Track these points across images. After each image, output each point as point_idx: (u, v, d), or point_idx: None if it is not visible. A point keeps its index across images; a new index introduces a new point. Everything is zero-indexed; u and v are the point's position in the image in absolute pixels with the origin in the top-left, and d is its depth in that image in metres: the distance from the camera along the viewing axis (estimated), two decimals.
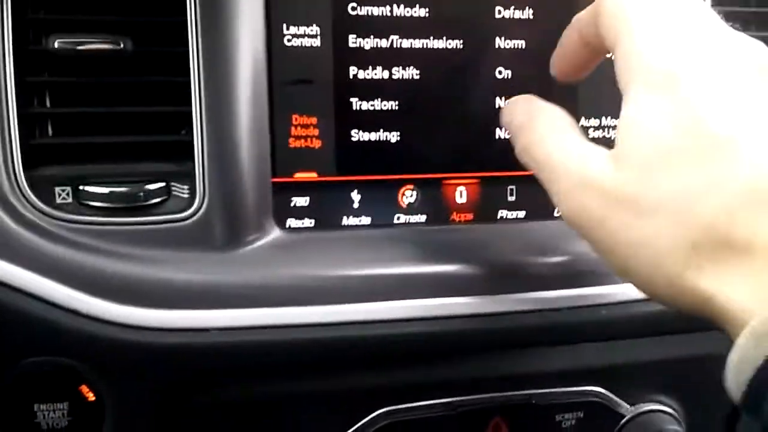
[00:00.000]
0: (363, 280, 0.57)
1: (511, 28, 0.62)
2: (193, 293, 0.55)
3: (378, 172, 0.61)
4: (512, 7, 0.62)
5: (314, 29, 0.58)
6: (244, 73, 0.56)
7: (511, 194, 0.64)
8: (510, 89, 0.62)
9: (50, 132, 0.56)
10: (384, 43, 0.60)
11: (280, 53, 0.57)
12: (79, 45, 0.53)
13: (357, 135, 0.60)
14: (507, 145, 0.62)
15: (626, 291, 0.60)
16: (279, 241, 0.59)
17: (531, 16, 0.62)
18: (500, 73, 0.62)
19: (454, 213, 0.63)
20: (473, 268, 0.58)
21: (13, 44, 0.52)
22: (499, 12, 0.61)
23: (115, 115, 0.56)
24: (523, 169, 0.63)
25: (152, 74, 0.55)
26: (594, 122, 0.65)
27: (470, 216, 0.63)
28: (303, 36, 0.58)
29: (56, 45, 0.53)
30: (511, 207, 0.64)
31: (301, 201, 0.60)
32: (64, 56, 0.53)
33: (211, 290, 0.55)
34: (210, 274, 0.56)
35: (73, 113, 0.56)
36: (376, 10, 0.59)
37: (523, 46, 0.62)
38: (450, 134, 0.62)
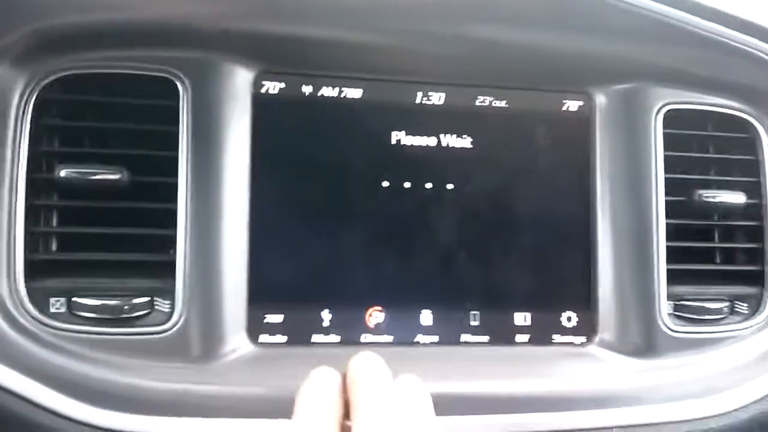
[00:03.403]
0: None
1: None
2: (168, 402, 0.59)
3: (347, 296, 0.66)
4: None
5: None
6: (228, 206, 0.63)
7: (474, 319, 0.68)
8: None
9: (54, 248, 0.62)
10: None
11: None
12: (83, 175, 0.60)
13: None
14: (470, 278, 0.68)
15: None
16: (251, 356, 0.63)
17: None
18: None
19: (420, 335, 0.67)
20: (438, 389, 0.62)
21: (26, 172, 0.60)
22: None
23: (109, 234, 0.62)
24: (487, 295, 0.68)
25: (145, 200, 0.62)
26: None
27: (435, 338, 0.67)
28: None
29: (63, 174, 0.60)
30: (475, 331, 0.68)
31: (275, 318, 0.65)
32: (69, 183, 0.61)
33: (184, 400, 0.60)
34: (184, 384, 0.60)
35: (75, 232, 0.62)
36: None
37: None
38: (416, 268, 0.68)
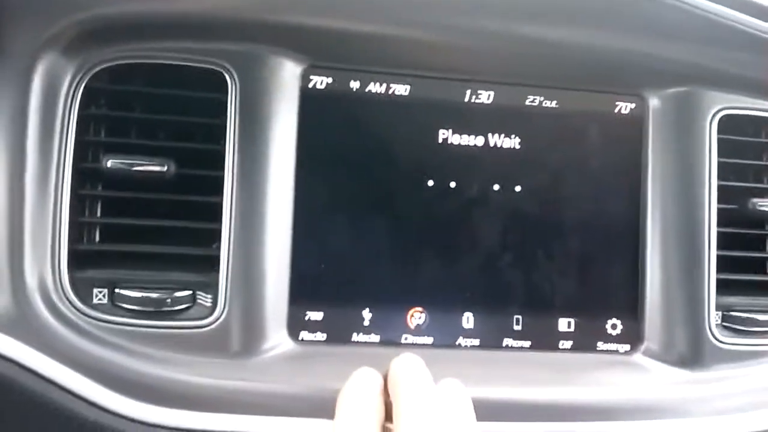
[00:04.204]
0: None
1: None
2: (206, 397, 0.59)
3: (388, 295, 0.65)
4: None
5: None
6: (273, 201, 0.62)
7: (517, 323, 0.67)
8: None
9: (97, 238, 0.62)
10: None
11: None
12: (129, 166, 0.60)
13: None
14: (513, 281, 0.67)
15: None
16: (291, 353, 0.63)
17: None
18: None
19: (461, 338, 0.66)
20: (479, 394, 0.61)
21: (72, 162, 0.59)
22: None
23: (153, 226, 0.62)
24: (531, 300, 0.67)
25: (190, 193, 0.61)
26: None
27: (476, 342, 0.66)
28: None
29: (109, 164, 0.60)
30: (517, 336, 0.67)
31: (315, 315, 0.64)
32: (114, 173, 0.60)
33: (222, 395, 0.59)
34: (223, 380, 0.60)
35: (118, 223, 0.62)
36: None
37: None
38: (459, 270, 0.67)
